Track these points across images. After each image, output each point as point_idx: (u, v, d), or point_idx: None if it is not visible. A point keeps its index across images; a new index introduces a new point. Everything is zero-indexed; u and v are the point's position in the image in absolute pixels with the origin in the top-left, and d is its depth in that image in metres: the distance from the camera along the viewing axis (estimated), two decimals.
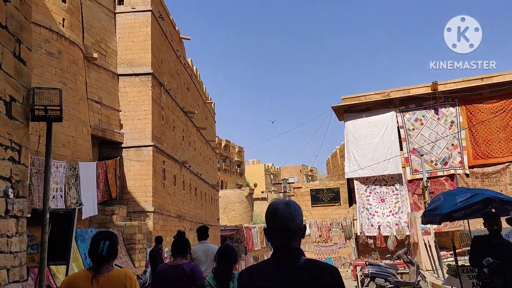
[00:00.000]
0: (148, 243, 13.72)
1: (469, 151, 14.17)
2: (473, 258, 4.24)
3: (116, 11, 16.89)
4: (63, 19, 11.94)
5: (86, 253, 9.85)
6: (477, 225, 11.10)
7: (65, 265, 5.72)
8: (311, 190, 21.11)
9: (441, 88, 14.47)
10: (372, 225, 14.64)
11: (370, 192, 14.95)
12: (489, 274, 3.87)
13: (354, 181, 15.20)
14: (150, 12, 17.01)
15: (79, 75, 12.54)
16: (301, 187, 21.98)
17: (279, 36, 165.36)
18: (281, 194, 52.00)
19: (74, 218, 5.61)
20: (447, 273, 7.41)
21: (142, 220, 14.77)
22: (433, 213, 6.02)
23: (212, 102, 31.89)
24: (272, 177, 62.76)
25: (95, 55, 14.34)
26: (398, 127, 14.97)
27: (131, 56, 16.53)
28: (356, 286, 10.99)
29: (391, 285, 9.61)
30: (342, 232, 19.39)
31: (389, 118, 15.03)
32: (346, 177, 15.90)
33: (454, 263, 7.48)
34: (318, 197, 20.68)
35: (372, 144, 14.95)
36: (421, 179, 13.92)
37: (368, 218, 14.73)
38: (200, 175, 24.43)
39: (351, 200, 15.87)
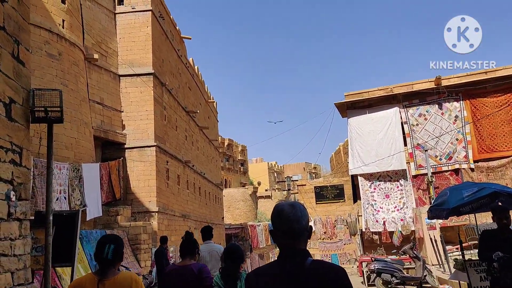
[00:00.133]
0: (153, 243, 13.73)
1: (474, 146, 14.05)
2: (482, 252, 4.18)
3: (116, 11, 16.85)
4: (63, 20, 11.91)
5: (91, 254, 9.86)
6: (482, 219, 11.02)
7: (71, 267, 5.71)
8: (315, 187, 21.04)
9: (444, 82, 14.35)
10: (377, 221, 14.59)
11: (375, 188, 14.88)
12: (499, 269, 3.81)
13: (358, 177, 15.14)
14: (150, 12, 16.97)
15: (80, 77, 12.53)
16: (305, 185, 21.91)
17: (281, 34, 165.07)
18: (285, 192, 52.02)
19: (78, 219, 5.59)
20: (454, 267, 7.34)
21: (147, 220, 14.78)
22: (440, 208, 5.95)
23: (214, 101, 31.85)
24: (275, 175, 62.73)
25: (95, 56, 14.32)
26: (401, 123, 14.88)
27: (132, 57, 16.50)
28: (362, 282, 10.95)
29: (397, 281, 9.57)
30: (347, 228, 19.34)
31: (393, 114, 14.93)
32: (350, 173, 15.84)
33: (460, 257, 7.42)
34: (322, 194, 20.61)
35: (375, 140, 14.87)
36: (426, 174, 13.83)
37: (373, 214, 14.67)
38: (204, 174, 24.43)
39: (356, 197, 15.81)
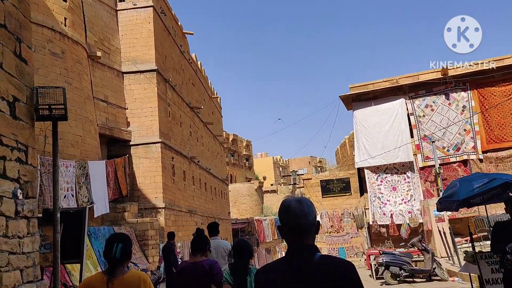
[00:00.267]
0: (160, 239, 13.80)
1: (482, 136, 13.87)
2: (494, 244, 4.10)
3: (117, 8, 16.79)
4: (65, 19, 11.89)
5: (100, 251, 9.92)
6: (492, 210, 10.89)
7: (79, 263, 5.74)
8: (321, 181, 20.97)
9: (451, 72, 14.14)
10: (384, 214, 14.50)
11: (381, 181, 14.78)
12: None
13: (365, 170, 15.04)
14: (151, 8, 16.89)
15: (83, 74, 12.52)
16: (310, 178, 21.85)
17: (283, 28, 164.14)
18: (291, 186, 52.02)
19: (85, 216, 5.60)
20: (464, 259, 7.25)
21: (154, 216, 14.84)
22: (449, 199, 5.86)
23: (218, 97, 31.80)
24: (281, 169, 62.71)
25: (98, 53, 14.30)
26: (408, 114, 14.72)
27: (135, 53, 16.46)
28: (370, 275, 10.90)
29: (406, 273, 9.51)
30: (354, 221, 19.27)
31: (399, 105, 14.78)
32: (356, 166, 15.74)
33: (470, 249, 7.33)
34: (328, 188, 20.54)
35: (381, 132, 14.74)
36: (433, 166, 13.69)
37: (380, 207, 14.58)
38: (209, 170, 24.46)
39: (362, 190, 15.72)
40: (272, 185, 54.08)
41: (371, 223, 14.86)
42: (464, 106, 14.22)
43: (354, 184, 18.74)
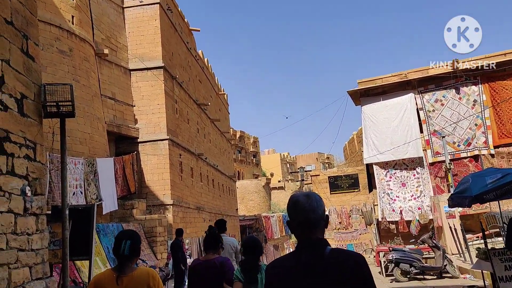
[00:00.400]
0: (168, 236, 13.85)
1: (494, 130, 13.63)
2: (509, 240, 3.99)
3: (124, 6, 16.81)
4: (72, 16, 11.92)
5: (108, 247, 9.98)
6: (503, 206, 10.70)
7: (88, 260, 5.76)
8: (329, 177, 20.85)
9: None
10: (393, 210, 14.36)
11: (391, 177, 14.62)
12: None
13: (374, 166, 14.89)
14: (158, 5, 16.87)
15: (91, 72, 12.57)
16: (318, 175, 21.73)
17: (290, 23, 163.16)
18: (298, 183, 51.91)
19: (94, 213, 5.61)
20: (476, 256, 7.14)
21: (162, 213, 14.90)
22: (462, 195, 5.74)
23: (225, 94, 31.76)
24: (288, 166, 62.59)
25: (106, 51, 14.34)
26: (417, 109, 14.52)
27: (142, 50, 16.48)
28: (379, 272, 10.80)
29: (416, 270, 9.40)
30: (363, 218, 19.15)
31: (408, 100, 14.58)
32: (364, 162, 15.60)
33: (482, 246, 7.20)
34: (336, 184, 20.42)
35: (390, 127, 14.57)
36: (443, 161, 13.50)
37: (389, 203, 14.44)
38: (217, 166, 24.48)
39: (371, 186, 15.58)
40: (279, 181, 54.04)
41: (380, 219, 14.73)
42: (475, 100, 13.97)
43: (363, 180, 18.59)
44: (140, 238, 2.66)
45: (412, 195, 14.28)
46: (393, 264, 9.61)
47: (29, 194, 3.75)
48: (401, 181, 14.51)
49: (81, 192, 10.58)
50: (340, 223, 19.57)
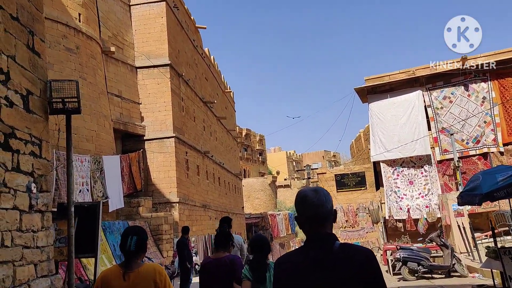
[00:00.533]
0: (174, 233, 13.87)
1: (503, 128, 13.40)
2: None
3: (130, 3, 16.84)
4: (79, 14, 11.96)
5: (115, 245, 10.02)
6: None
7: (94, 257, 5.76)
8: (335, 175, 20.73)
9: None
10: (400, 208, 14.22)
11: (398, 175, 14.47)
12: None
13: (381, 164, 14.75)
14: (164, 3, 16.87)
15: (98, 69, 12.61)
16: (325, 173, 21.63)
17: (297, 20, 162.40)
18: (304, 181, 51.77)
19: (99, 211, 5.61)
20: (486, 255, 7.02)
21: (168, 211, 14.93)
22: (472, 193, 5.65)
23: (231, 92, 31.73)
24: (294, 164, 62.45)
25: (112, 48, 14.38)
26: (425, 106, 14.34)
27: (148, 48, 16.50)
28: (387, 271, 10.70)
29: (424, 269, 9.28)
30: (369, 216, 19.00)
31: (415, 97, 14.40)
32: (372, 160, 15.46)
33: (492, 244, 7.08)
34: (343, 182, 20.29)
35: (398, 125, 14.41)
36: (452, 159, 13.32)
37: (396, 201, 14.30)
38: (223, 164, 24.48)
39: (378, 184, 15.44)
40: (285, 179, 53.95)
41: (387, 217, 14.59)
42: (484, 97, 13.75)
43: (370, 178, 18.45)
44: (147, 234, 2.64)
45: (420, 193, 14.12)
46: (400, 263, 9.50)
47: (34, 191, 3.74)
48: (408, 179, 14.36)
49: (87, 190, 10.63)
50: (346, 221, 19.46)
